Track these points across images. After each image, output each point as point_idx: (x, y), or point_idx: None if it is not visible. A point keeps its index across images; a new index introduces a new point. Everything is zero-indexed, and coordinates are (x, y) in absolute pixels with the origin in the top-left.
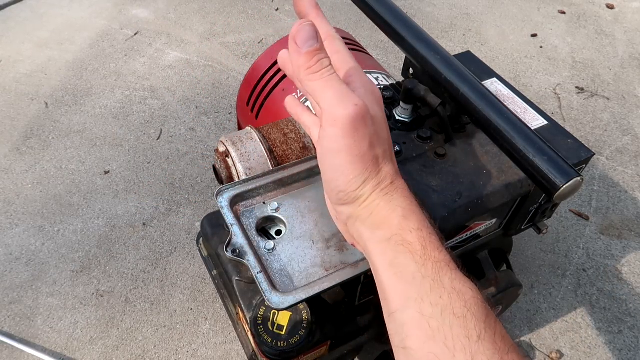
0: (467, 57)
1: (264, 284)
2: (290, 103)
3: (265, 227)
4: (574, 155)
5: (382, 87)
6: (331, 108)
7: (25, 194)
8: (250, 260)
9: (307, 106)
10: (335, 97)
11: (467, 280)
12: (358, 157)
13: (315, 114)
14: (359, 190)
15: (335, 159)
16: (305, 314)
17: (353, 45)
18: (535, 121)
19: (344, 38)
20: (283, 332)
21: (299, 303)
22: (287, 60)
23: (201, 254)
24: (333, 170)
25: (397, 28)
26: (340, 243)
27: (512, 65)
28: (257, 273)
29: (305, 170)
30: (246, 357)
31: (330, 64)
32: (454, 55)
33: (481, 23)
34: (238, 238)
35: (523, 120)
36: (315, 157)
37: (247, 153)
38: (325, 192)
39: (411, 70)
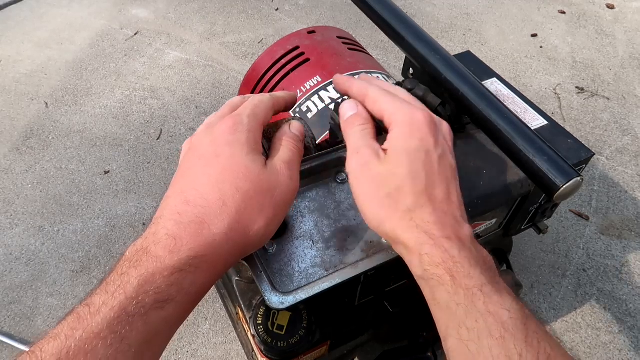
0: (467, 57)
1: (263, 284)
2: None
3: None
4: (574, 155)
5: None
6: (348, 158)
7: (25, 194)
8: (250, 260)
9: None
10: (349, 149)
11: (506, 301)
12: (368, 198)
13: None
14: (381, 228)
15: (356, 200)
16: (305, 314)
17: (353, 45)
18: (535, 121)
19: (343, 38)
20: (283, 332)
21: (298, 303)
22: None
23: None
24: (360, 209)
25: (397, 28)
26: (340, 243)
27: (512, 65)
28: (257, 273)
29: (306, 170)
30: (246, 357)
31: (360, 125)
32: (454, 55)
33: (481, 23)
34: None
35: (523, 120)
36: (315, 158)
37: None
38: None
39: (411, 70)
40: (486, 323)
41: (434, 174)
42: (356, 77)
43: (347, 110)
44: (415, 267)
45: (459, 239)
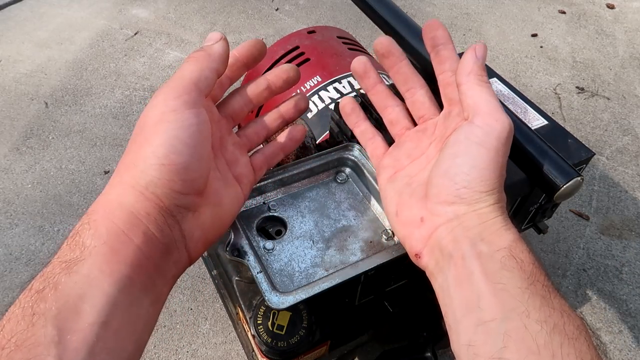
0: None
1: (263, 284)
2: (350, 106)
3: (265, 227)
4: (574, 155)
5: None
6: (495, 112)
7: (25, 194)
8: (250, 260)
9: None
10: (498, 105)
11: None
12: (500, 164)
13: (374, 125)
14: (487, 194)
15: (481, 153)
16: (305, 314)
17: (353, 45)
18: (535, 121)
19: (343, 38)
20: (283, 332)
21: (298, 303)
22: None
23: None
24: (470, 163)
25: (397, 28)
26: (341, 243)
27: (512, 65)
28: (257, 273)
29: (306, 170)
30: (246, 357)
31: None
32: None
33: (481, 23)
34: (238, 238)
35: (523, 120)
36: (315, 158)
37: None
38: (430, 186)
39: None
40: (563, 320)
41: None
42: None
43: (485, 57)
44: (491, 244)
45: None
